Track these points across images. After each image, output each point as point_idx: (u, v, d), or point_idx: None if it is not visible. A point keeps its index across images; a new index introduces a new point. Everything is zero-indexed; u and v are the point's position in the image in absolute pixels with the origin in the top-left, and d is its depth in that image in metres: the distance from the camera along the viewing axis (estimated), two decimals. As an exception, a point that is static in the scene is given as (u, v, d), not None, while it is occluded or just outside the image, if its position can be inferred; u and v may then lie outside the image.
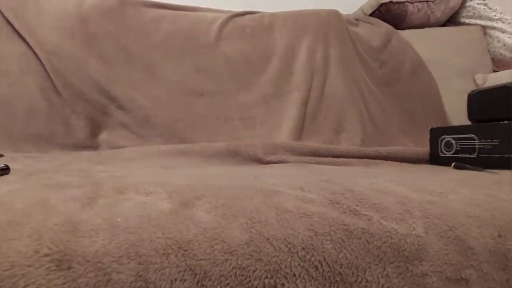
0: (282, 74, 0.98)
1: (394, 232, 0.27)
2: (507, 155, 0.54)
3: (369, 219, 0.27)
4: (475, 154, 0.60)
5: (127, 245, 0.23)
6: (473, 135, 0.60)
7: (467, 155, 0.62)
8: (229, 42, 1.00)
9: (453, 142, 0.64)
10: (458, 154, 0.63)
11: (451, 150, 0.64)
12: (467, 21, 1.30)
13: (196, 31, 1.00)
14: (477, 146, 0.60)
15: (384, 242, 0.26)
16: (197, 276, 0.23)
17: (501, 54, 1.25)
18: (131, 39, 0.95)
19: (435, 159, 0.70)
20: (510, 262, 0.28)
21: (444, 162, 0.67)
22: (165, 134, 0.85)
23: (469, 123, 0.69)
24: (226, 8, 1.10)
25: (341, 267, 0.25)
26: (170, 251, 0.23)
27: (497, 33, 1.26)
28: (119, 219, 0.25)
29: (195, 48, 0.98)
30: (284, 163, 0.65)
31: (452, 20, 1.33)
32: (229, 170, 0.55)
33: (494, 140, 0.57)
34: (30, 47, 0.87)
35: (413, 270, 0.26)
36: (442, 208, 0.30)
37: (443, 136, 0.67)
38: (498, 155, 0.56)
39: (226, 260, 0.23)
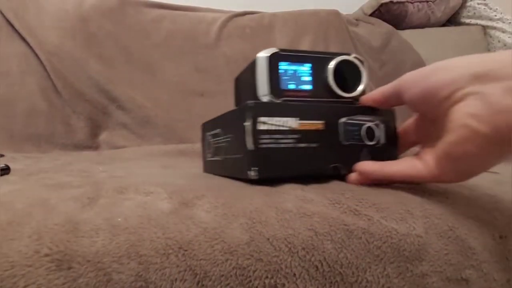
0: (282, 74, 0.98)
1: (394, 232, 0.27)
2: (239, 155, 0.35)
3: (369, 219, 0.27)
4: (222, 156, 0.41)
5: (128, 245, 0.23)
6: (219, 130, 0.42)
7: (218, 158, 0.42)
8: (229, 42, 1.00)
9: (211, 141, 0.44)
10: (214, 157, 0.44)
11: (210, 152, 0.45)
12: (467, 21, 1.30)
13: (196, 31, 1.00)
14: (220, 144, 0.41)
15: (384, 242, 0.26)
16: (197, 276, 0.23)
17: (501, 54, 1.25)
18: (131, 39, 0.95)
19: (204, 165, 0.48)
20: (510, 262, 0.28)
21: (208, 169, 0.46)
22: (165, 134, 0.85)
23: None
24: (226, 8, 1.10)
25: (341, 267, 0.25)
26: (170, 251, 0.23)
27: (497, 33, 1.25)
28: (119, 219, 0.25)
29: (195, 48, 0.98)
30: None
31: (452, 20, 1.33)
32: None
33: (230, 135, 0.38)
34: (31, 47, 0.87)
35: (413, 270, 0.26)
36: (442, 208, 0.30)
37: (206, 134, 0.47)
38: (231, 156, 0.38)
39: (227, 260, 0.23)
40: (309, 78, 0.37)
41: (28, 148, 0.79)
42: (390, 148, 0.38)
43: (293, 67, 0.37)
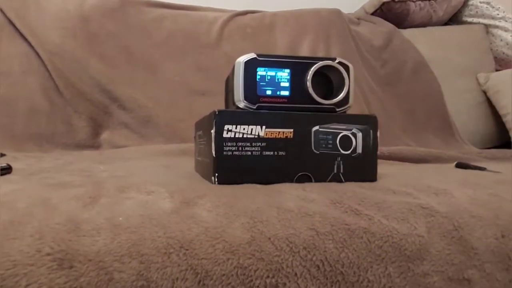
0: (283, 73, 0.97)
1: (395, 231, 0.27)
2: (208, 160, 0.37)
3: (370, 219, 0.27)
4: (202, 157, 0.42)
5: (129, 244, 0.23)
6: (201, 131, 0.43)
7: (199, 158, 0.43)
8: (231, 41, 1.00)
9: (197, 140, 0.46)
10: (198, 157, 0.45)
11: (197, 151, 0.46)
12: (469, 20, 1.30)
13: (198, 30, 1.00)
14: (201, 146, 0.42)
15: (385, 242, 0.26)
16: (199, 275, 0.22)
17: (503, 53, 1.24)
18: (133, 39, 0.95)
19: (195, 163, 0.50)
20: (513, 262, 0.28)
21: (196, 167, 0.47)
22: (167, 134, 0.85)
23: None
24: (227, 8, 1.10)
25: (342, 267, 0.25)
26: (171, 250, 0.23)
27: (499, 32, 1.25)
28: (120, 219, 0.25)
29: (196, 47, 0.98)
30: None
31: (454, 19, 1.33)
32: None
33: (205, 139, 0.39)
34: (32, 47, 0.88)
35: (414, 269, 0.26)
36: (446, 207, 0.30)
37: (196, 133, 0.48)
38: (205, 159, 0.39)
39: (228, 259, 0.23)
40: (287, 84, 0.37)
41: (30, 148, 0.79)
42: (368, 158, 0.36)
43: (272, 73, 0.37)
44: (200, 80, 0.94)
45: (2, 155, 0.64)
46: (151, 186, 0.32)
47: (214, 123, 0.34)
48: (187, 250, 0.23)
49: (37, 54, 0.87)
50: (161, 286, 0.22)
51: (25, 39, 0.88)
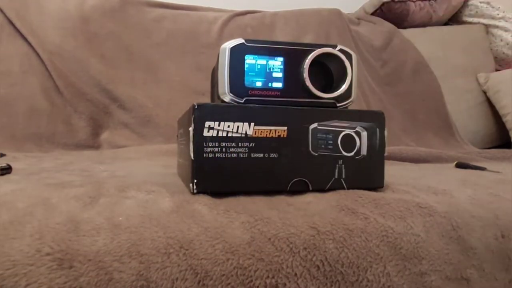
0: (283, 73, 0.97)
1: (391, 230, 0.27)
2: (187, 163, 0.31)
3: (366, 218, 0.27)
4: (182, 159, 0.36)
5: (129, 244, 0.23)
6: (182, 130, 0.36)
7: (180, 160, 0.38)
8: (231, 41, 1.00)
9: (178, 140, 0.40)
10: (179, 159, 0.39)
11: (178, 152, 0.40)
12: (469, 19, 1.30)
13: (198, 30, 1.00)
14: (181, 146, 0.36)
15: (381, 241, 0.26)
16: (198, 276, 0.23)
17: (503, 53, 1.24)
18: (133, 38, 0.95)
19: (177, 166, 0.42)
20: (512, 262, 0.28)
21: (178, 171, 0.41)
22: (167, 134, 0.85)
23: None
24: (227, 7, 1.10)
25: (342, 267, 0.25)
26: (171, 250, 0.23)
27: (499, 32, 1.25)
28: (120, 218, 0.25)
29: (196, 47, 0.98)
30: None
31: (454, 19, 1.33)
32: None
33: (184, 138, 0.34)
34: (32, 47, 0.88)
35: (411, 268, 0.26)
36: (445, 207, 0.30)
37: (178, 131, 0.40)
38: (184, 162, 0.34)
39: (228, 259, 0.23)
40: (280, 75, 0.31)
41: (30, 148, 0.79)
42: (374, 161, 0.31)
43: (262, 61, 0.31)
44: (200, 80, 0.94)
45: (2, 155, 0.64)
46: (151, 186, 0.32)
47: (192, 119, 0.28)
48: (187, 250, 0.23)
49: (37, 54, 0.87)
50: (160, 286, 0.22)
51: (25, 39, 0.88)
